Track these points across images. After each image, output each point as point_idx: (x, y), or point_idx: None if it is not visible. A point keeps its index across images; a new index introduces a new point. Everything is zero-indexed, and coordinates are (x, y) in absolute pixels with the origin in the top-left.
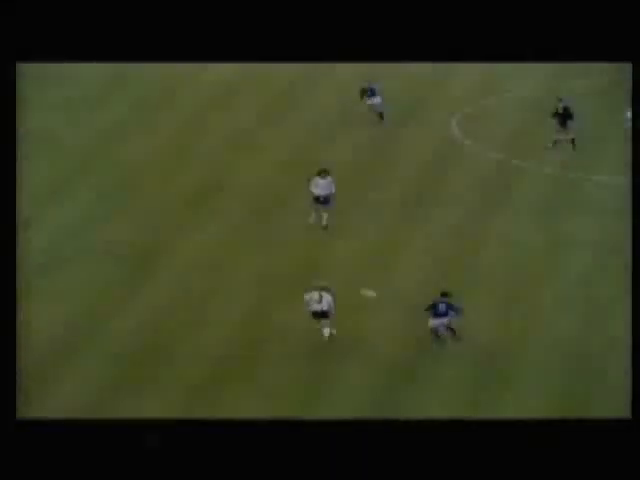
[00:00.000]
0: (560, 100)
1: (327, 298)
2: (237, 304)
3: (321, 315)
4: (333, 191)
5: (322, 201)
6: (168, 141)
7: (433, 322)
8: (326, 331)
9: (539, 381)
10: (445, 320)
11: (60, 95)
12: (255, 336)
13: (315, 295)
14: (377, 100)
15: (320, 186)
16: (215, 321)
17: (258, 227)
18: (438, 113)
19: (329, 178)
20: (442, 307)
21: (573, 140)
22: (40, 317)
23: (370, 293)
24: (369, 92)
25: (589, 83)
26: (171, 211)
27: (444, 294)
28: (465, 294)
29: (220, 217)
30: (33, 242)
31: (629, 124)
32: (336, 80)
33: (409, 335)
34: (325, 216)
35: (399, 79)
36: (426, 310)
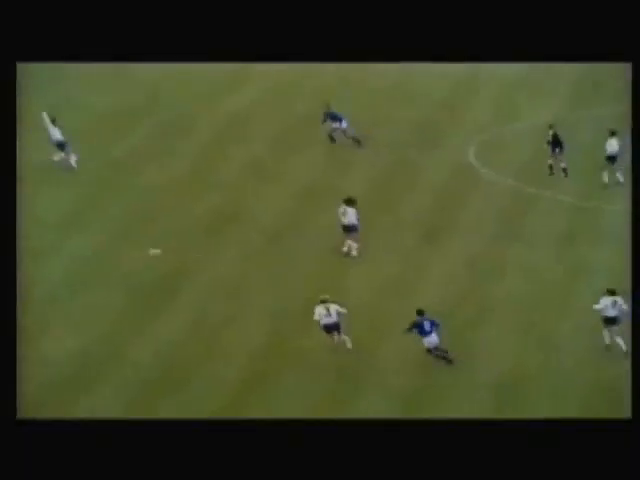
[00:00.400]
0: (551, 127)
1: (334, 308)
2: (254, 331)
3: (333, 327)
4: (358, 219)
5: (350, 229)
6: (185, 168)
7: (427, 342)
8: (337, 338)
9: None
10: (434, 337)
11: (72, 125)
12: (272, 363)
13: (322, 309)
14: (343, 124)
15: (348, 215)
16: (232, 348)
17: (274, 254)
18: (454, 139)
19: (355, 207)
20: (427, 325)
21: (565, 170)
22: (51, 346)
23: (154, 251)
24: (329, 116)
25: (604, 112)
26: (188, 239)
27: (420, 312)
28: (481, 321)
29: (237, 245)
30: (47, 268)
31: (610, 150)
32: (349, 108)
33: (426, 361)
34: (355, 246)
35: (415, 104)
36: (408, 330)
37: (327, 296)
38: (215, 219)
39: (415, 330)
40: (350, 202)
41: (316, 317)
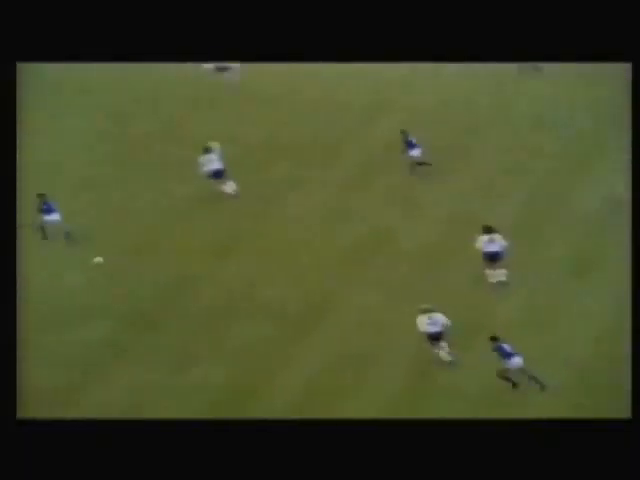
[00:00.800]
0: None
1: (437, 317)
2: (402, 361)
3: (436, 337)
4: (504, 247)
5: (494, 257)
6: (329, 197)
7: (510, 363)
8: (443, 354)
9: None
10: (517, 359)
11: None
12: (420, 396)
13: (425, 319)
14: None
15: (491, 243)
16: (374, 382)
17: (419, 284)
18: (600, 166)
19: (497, 234)
20: (507, 347)
21: None
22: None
23: (97, 259)
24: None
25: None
26: (331, 269)
27: (494, 338)
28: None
29: (381, 275)
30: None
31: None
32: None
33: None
34: (503, 272)
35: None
36: (495, 351)
37: (428, 306)
38: (359, 248)
39: (502, 357)
40: (490, 230)
41: (418, 327)
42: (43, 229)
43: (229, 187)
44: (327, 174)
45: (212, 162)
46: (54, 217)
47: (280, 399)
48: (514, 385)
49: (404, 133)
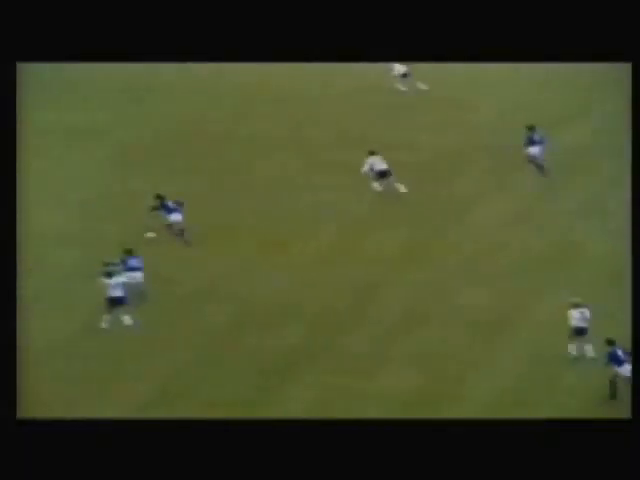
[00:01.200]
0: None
1: (585, 312)
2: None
3: (581, 332)
4: None
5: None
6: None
7: (623, 370)
8: (587, 348)
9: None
10: (627, 367)
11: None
12: None
13: (575, 313)
14: (536, 150)
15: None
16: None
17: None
18: None
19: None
20: (620, 353)
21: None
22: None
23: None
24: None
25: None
26: (523, 274)
27: (611, 342)
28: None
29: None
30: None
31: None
32: None
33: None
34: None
35: None
36: (606, 364)
37: (578, 300)
38: (550, 255)
39: (611, 362)
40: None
41: (569, 320)
42: (169, 227)
43: (400, 187)
44: (514, 181)
45: (377, 163)
46: (175, 217)
47: (472, 401)
48: (613, 395)
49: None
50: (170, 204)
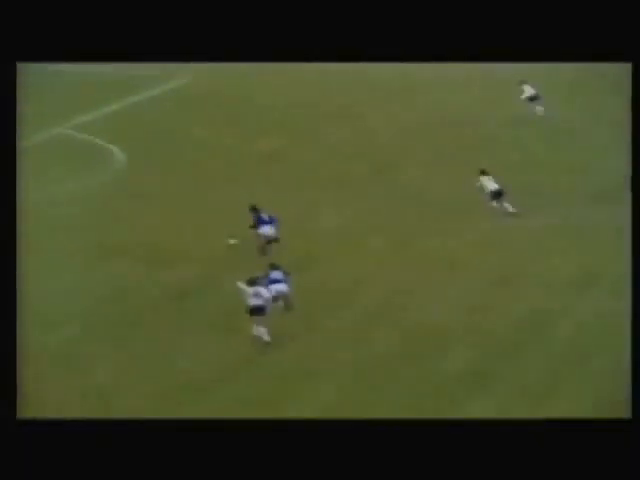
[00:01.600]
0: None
1: None
2: None
3: None
4: None
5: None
6: None
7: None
8: None
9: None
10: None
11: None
12: None
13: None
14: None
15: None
16: None
17: None
18: None
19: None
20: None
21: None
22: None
23: (232, 241)
24: None
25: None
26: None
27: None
28: None
29: None
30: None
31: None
32: None
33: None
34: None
35: None
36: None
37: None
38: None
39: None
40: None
41: None
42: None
43: (509, 207)
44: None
45: (490, 184)
46: (266, 230)
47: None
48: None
49: None
50: (264, 216)
